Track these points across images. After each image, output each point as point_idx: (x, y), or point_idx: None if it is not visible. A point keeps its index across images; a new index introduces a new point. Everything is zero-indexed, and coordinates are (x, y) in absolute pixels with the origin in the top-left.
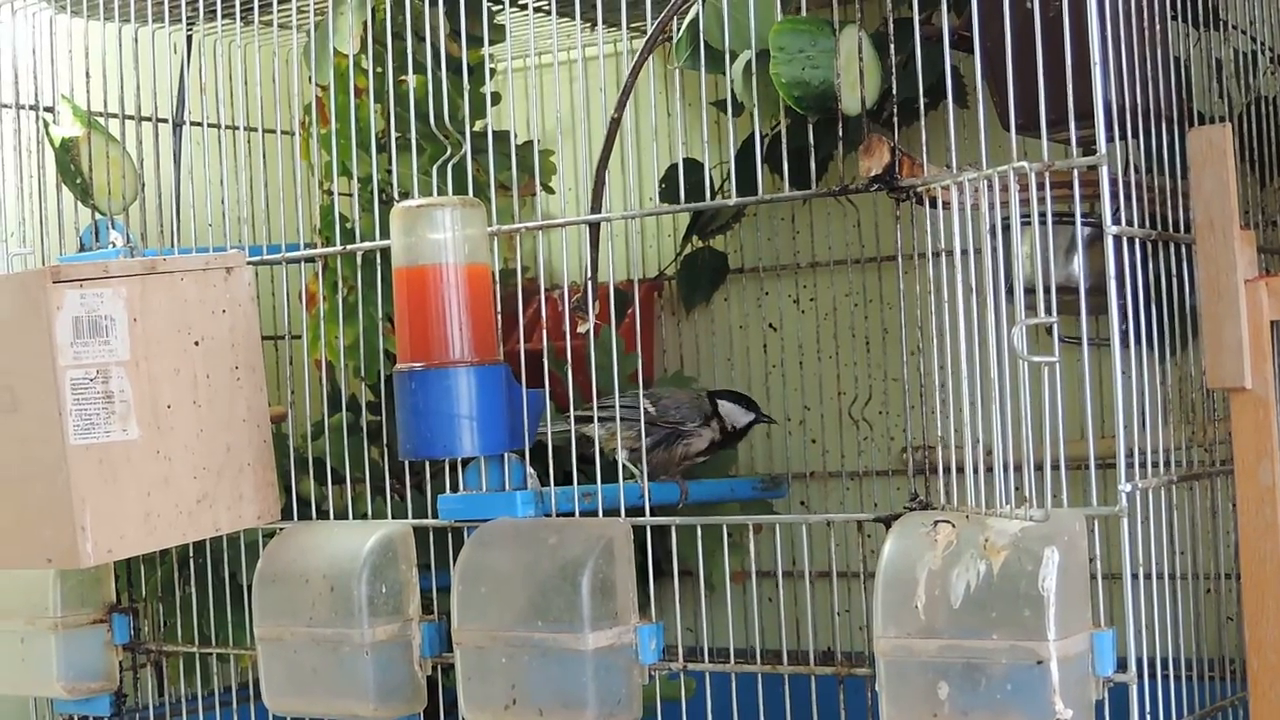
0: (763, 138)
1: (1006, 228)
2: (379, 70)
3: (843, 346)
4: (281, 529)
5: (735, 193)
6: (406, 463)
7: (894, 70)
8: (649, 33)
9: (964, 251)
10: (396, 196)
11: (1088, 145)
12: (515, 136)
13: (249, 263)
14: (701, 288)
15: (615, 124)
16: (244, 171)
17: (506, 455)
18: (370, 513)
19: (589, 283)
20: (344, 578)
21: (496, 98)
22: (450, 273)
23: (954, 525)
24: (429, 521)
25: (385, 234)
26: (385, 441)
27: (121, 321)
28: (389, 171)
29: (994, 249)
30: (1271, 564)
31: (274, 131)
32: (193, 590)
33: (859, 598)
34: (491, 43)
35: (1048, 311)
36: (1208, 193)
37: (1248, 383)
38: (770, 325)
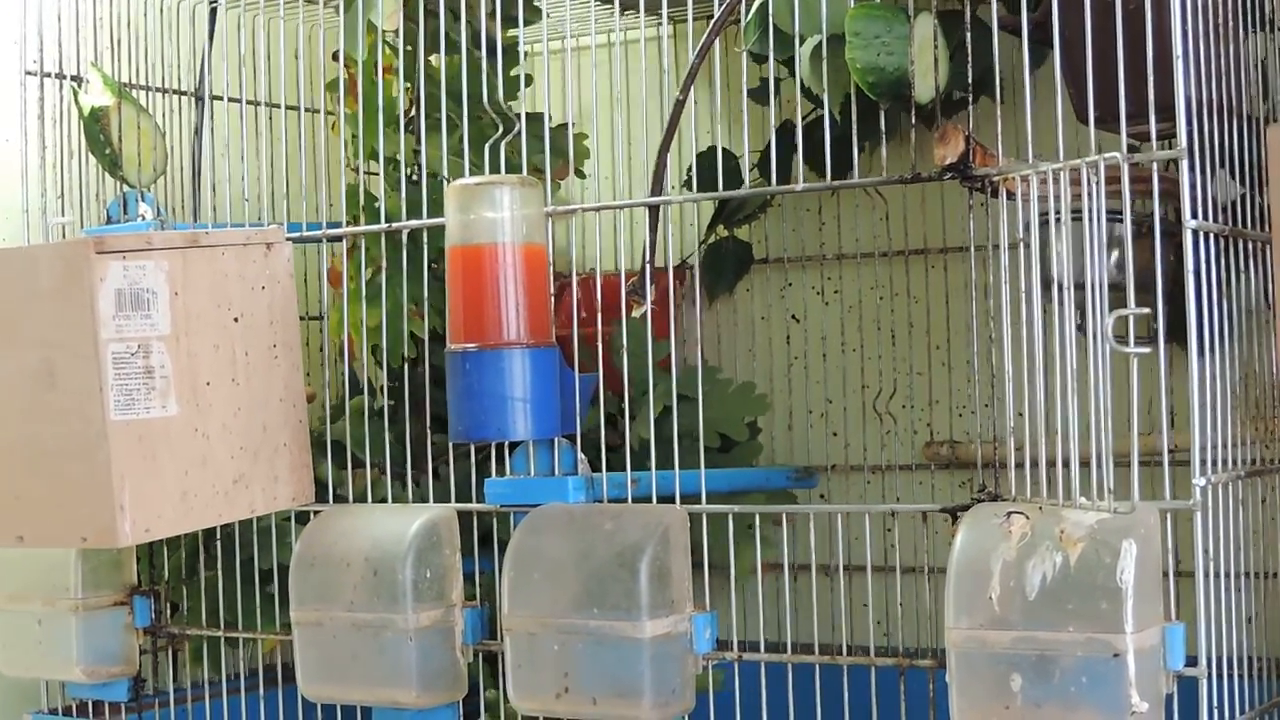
0: (798, 127)
1: (1073, 218)
2: (409, 48)
3: (867, 340)
4: (317, 512)
5: (773, 181)
6: (426, 447)
7: (969, 59)
8: (717, 15)
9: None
10: (425, 176)
11: (1163, 140)
12: (550, 119)
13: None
14: (725, 277)
15: (680, 106)
16: (266, 148)
17: (556, 440)
18: (390, 497)
19: (647, 266)
20: (388, 561)
21: (529, 80)
22: (507, 252)
23: (1028, 516)
24: (474, 506)
25: (413, 214)
26: (407, 426)
27: (163, 295)
28: (416, 151)
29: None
30: None
31: (296, 108)
32: (217, 573)
33: (910, 590)
34: (527, 23)
35: (1138, 304)
36: None
37: None
38: (793, 317)
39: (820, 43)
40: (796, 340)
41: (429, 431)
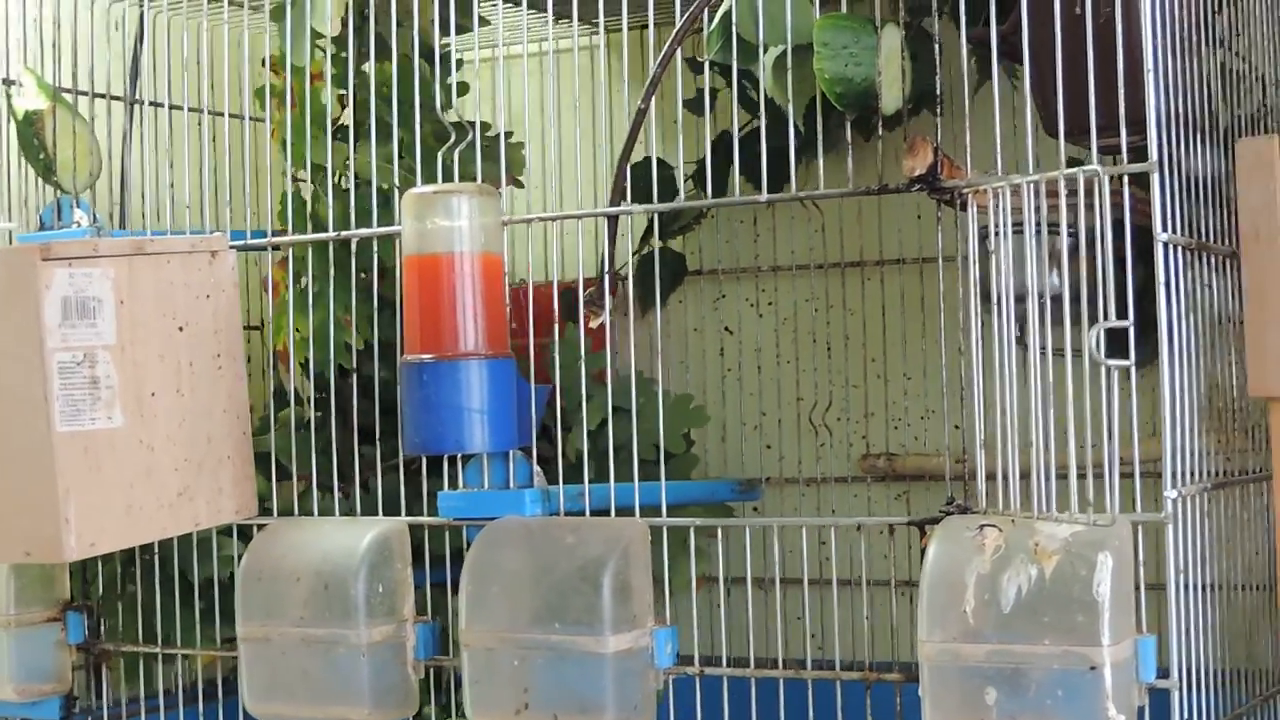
0: (734, 138)
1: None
2: (343, 55)
3: (802, 352)
4: (261, 526)
5: (708, 192)
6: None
7: (938, 69)
8: (679, 24)
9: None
10: (357, 185)
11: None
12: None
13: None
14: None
15: (641, 114)
16: (195, 154)
17: (512, 452)
18: (316, 510)
19: (606, 276)
20: (340, 576)
21: (464, 88)
22: (465, 262)
23: (1001, 529)
24: (425, 519)
25: (348, 223)
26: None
27: (109, 303)
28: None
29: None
30: None
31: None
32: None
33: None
34: (459, 31)
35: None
36: (1254, 203)
37: None
38: (727, 329)
39: (783, 52)
40: (730, 352)
41: (356, 444)
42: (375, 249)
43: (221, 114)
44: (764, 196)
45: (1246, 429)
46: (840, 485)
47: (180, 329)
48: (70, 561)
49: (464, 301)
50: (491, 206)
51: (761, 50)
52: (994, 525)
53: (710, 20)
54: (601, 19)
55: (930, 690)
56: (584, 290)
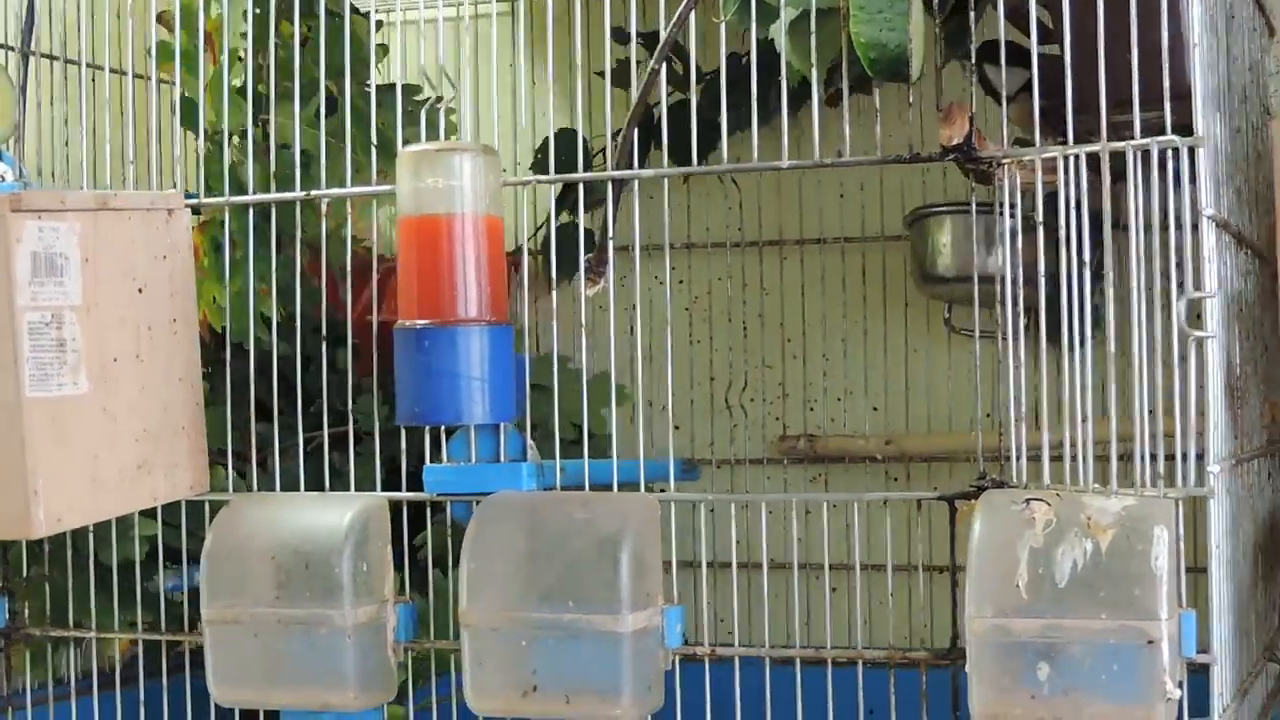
0: (651, 109)
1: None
2: (259, 12)
3: (716, 331)
4: (222, 503)
5: (635, 164)
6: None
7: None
8: None
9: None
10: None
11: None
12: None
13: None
14: (567, 264)
15: (654, 75)
16: (93, 111)
17: (503, 425)
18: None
19: (610, 242)
20: (323, 554)
21: (384, 50)
22: (467, 223)
23: (1049, 504)
24: (406, 495)
25: (266, 187)
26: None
27: (74, 261)
28: (265, 121)
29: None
30: None
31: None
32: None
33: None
34: None
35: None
36: None
37: None
38: (635, 306)
39: (800, 15)
40: (641, 330)
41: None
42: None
43: (122, 72)
44: (785, 163)
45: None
46: (755, 467)
47: (140, 290)
48: (33, 538)
49: (466, 265)
50: (493, 166)
51: (783, 12)
52: (1041, 499)
53: None
54: None
55: (979, 666)
56: (584, 257)
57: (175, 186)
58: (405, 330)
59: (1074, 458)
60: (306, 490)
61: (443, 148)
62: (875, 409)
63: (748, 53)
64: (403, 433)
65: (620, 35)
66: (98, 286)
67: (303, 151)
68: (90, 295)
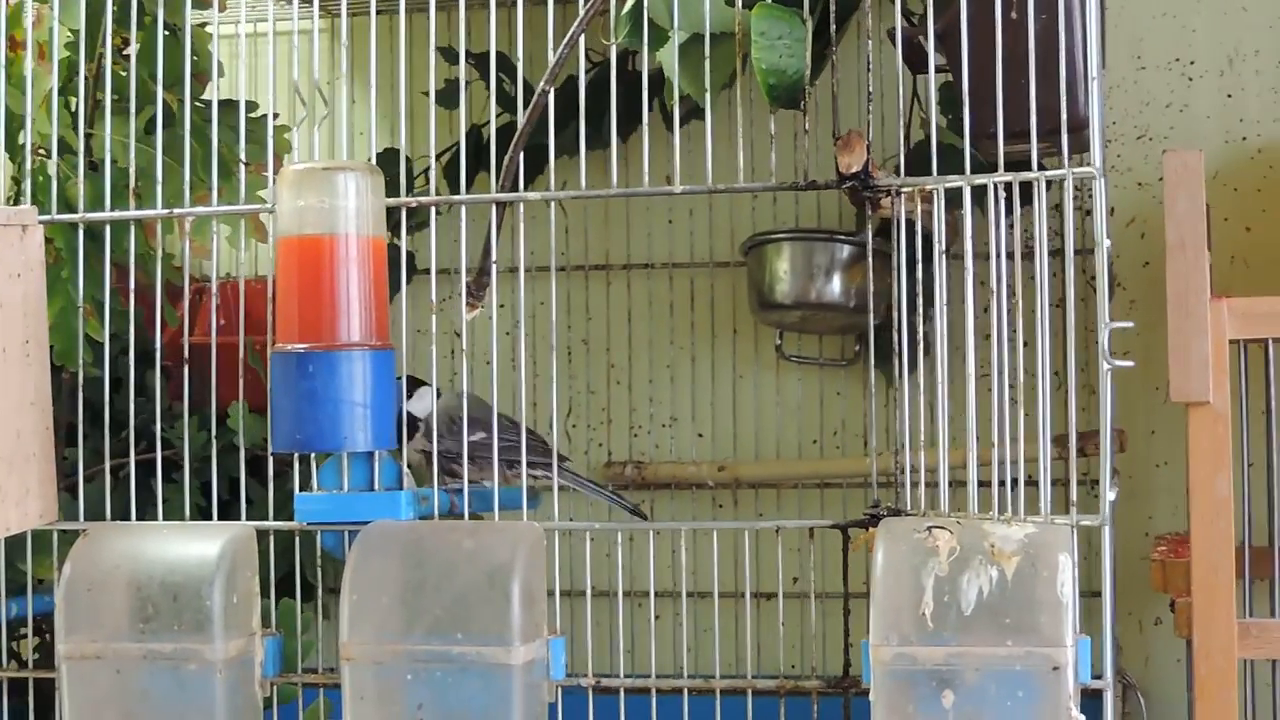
0: (476, 130)
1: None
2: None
3: (539, 357)
4: (68, 532)
5: (462, 189)
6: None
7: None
8: (587, 5)
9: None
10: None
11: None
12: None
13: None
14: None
15: (544, 95)
16: None
17: (378, 452)
18: None
19: (493, 265)
20: (192, 585)
21: (221, 67)
22: (352, 244)
23: (950, 531)
24: (273, 524)
25: (99, 206)
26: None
27: None
28: (90, 135)
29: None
30: (1224, 574)
31: None
32: None
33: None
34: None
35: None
36: (1180, 213)
37: (1211, 397)
38: (456, 332)
39: (692, 38)
40: (460, 355)
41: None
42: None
43: None
44: (678, 188)
45: None
46: (581, 494)
47: None
48: None
49: (349, 287)
50: (377, 186)
51: (676, 37)
52: (942, 526)
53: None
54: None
55: (883, 695)
56: (465, 277)
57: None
58: (285, 354)
59: (962, 483)
60: (113, 519)
61: (328, 166)
62: (701, 435)
63: (595, 65)
64: (214, 460)
65: (449, 55)
66: None
67: (135, 168)
68: None
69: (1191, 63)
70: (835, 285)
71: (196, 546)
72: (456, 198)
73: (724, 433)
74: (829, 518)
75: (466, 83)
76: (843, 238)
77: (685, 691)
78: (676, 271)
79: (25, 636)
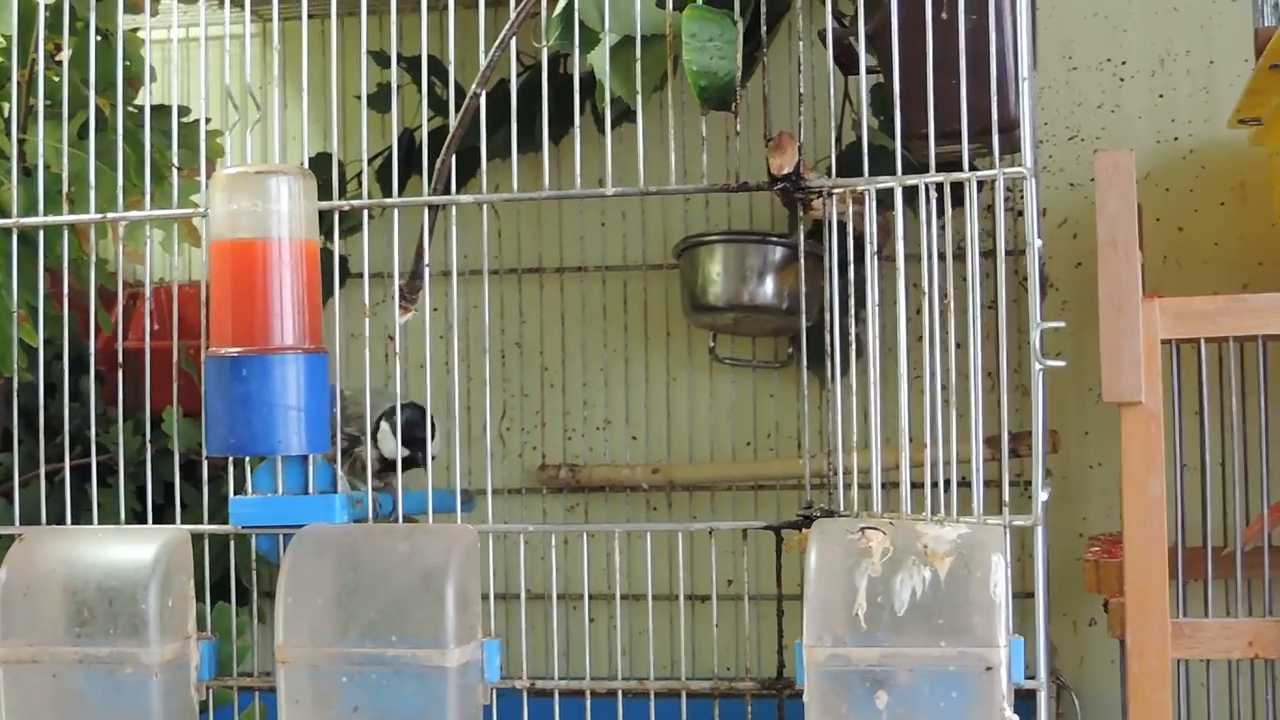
0: (409, 134)
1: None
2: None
3: (473, 360)
4: (19, 536)
5: (394, 191)
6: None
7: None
8: (518, 8)
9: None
10: (18, 169)
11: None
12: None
13: None
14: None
15: (475, 98)
16: None
17: (312, 455)
18: None
19: (425, 268)
20: (127, 590)
21: (153, 72)
22: (285, 248)
23: (883, 531)
24: (208, 528)
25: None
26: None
27: None
28: (22, 141)
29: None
30: (1157, 573)
31: None
32: None
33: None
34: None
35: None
36: (1112, 213)
37: (1143, 397)
38: (390, 336)
39: (623, 40)
40: (394, 359)
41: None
42: (66, 239)
43: None
44: (610, 190)
45: None
46: (515, 497)
47: None
48: None
49: (283, 290)
50: (310, 190)
51: (607, 39)
52: (875, 527)
53: (551, 7)
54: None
55: (817, 696)
56: (398, 280)
57: None
58: (219, 358)
59: (894, 485)
60: (49, 524)
61: (261, 170)
62: (635, 438)
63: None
64: (148, 464)
65: (381, 59)
66: None
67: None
68: None
69: (1123, 63)
70: (768, 287)
71: (132, 550)
72: (389, 201)
73: (658, 435)
74: (763, 520)
75: (399, 86)
76: (775, 239)
77: (620, 693)
78: (609, 274)
79: None
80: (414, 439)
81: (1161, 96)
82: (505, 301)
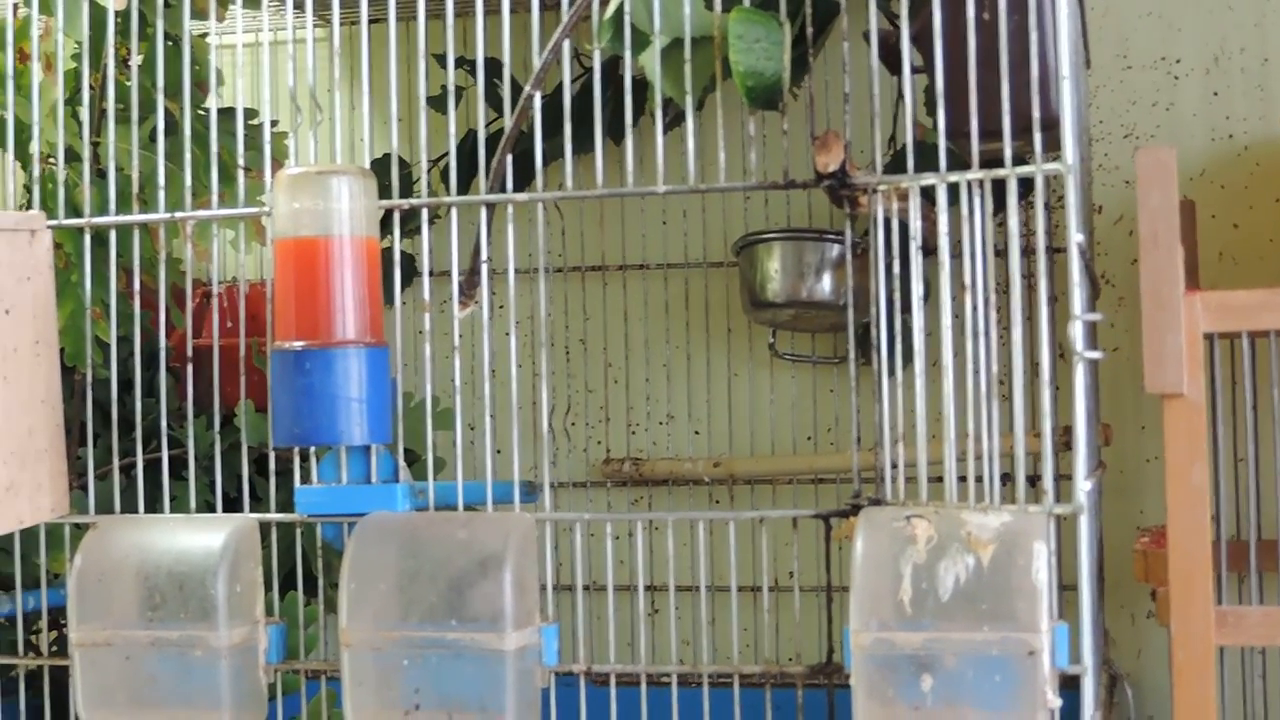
0: (472, 135)
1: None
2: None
3: (537, 356)
4: (94, 524)
5: (452, 190)
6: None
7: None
8: (570, 12)
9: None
10: (91, 171)
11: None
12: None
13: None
14: (385, 290)
15: (529, 99)
16: None
17: (374, 446)
18: None
19: (483, 265)
20: (197, 575)
21: (220, 75)
22: (346, 245)
23: (928, 520)
24: (274, 516)
25: (103, 211)
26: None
27: None
28: (97, 143)
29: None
30: (1200, 561)
31: None
32: None
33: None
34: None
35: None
36: (1153, 208)
37: (1185, 389)
38: (459, 333)
39: (673, 42)
40: (463, 355)
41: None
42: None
43: None
44: (661, 188)
45: None
46: (579, 490)
47: (6, 312)
48: None
49: (344, 286)
50: (370, 188)
51: (657, 41)
52: (920, 515)
53: (602, 9)
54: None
55: (863, 680)
56: (456, 277)
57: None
58: (283, 352)
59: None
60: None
61: (322, 170)
62: (697, 433)
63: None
64: (217, 458)
65: (442, 61)
66: None
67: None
68: None
69: (1177, 61)
70: (825, 284)
71: (201, 538)
72: (446, 199)
73: (719, 429)
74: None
75: (461, 89)
76: (832, 237)
77: (674, 679)
78: (671, 272)
79: (40, 631)
80: None
81: (1216, 94)
82: (570, 299)
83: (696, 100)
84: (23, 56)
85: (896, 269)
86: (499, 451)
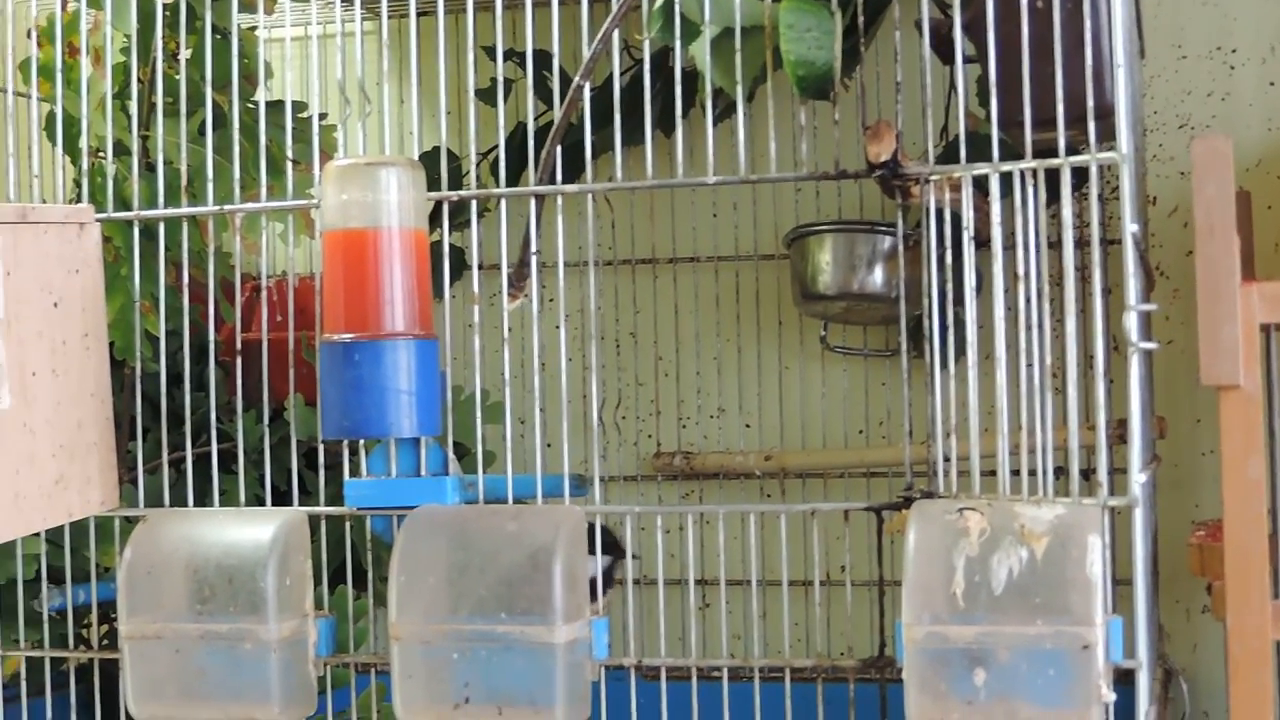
0: (521, 127)
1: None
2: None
3: (586, 349)
4: (143, 518)
5: (501, 183)
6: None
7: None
8: (620, 3)
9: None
10: (140, 164)
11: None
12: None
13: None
14: (435, 283)
15: (578, 90)
16: None
17: (424, 439)
18: None
19: (533, 257)
20: (247, 568)
21: (269, 68)
22: (395, 237)
23: (981, 512)
24: (324, 509)
25: (152, 205)
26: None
27: None
28: (146, 137)
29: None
30: (1256, 555)
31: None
32: None
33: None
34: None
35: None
36: (1209, 198)
37: (1241, 381)
38: (509, 326)
39: (724, 32)
40: (514, 349)
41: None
42: (183, 232)
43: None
44: (711, 179)
45: None
46: (630, 484)
47: (55, 304)
48: None
49: (393, 278)
50: (419, 180)
51: (707, 31)
52: (974, 508)
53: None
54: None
55: (916, 673)
56: (505, 269)
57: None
58: (333, 344)
59: (992, 473)
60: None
61: (371, 161)
62: (749, 426)
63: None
64: (266, 452)
65: (491, 54)
66: (18, 301)
67: (189, 167)
68: (11, 309)
69: (1233, 51)
70: (877, 276)
71: (250, 531)
72: (495, 191)
73: (771, 423)
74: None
75: (510, 81)
76: (884, 228)
77: (725, 673)
78: (721, 264)
79: (90, 625)
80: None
81: (1272, 84)
82: (620, 291)
83: (747, 91)
84: (72, 50)
85: (949, 260)
86: (549, 445)
